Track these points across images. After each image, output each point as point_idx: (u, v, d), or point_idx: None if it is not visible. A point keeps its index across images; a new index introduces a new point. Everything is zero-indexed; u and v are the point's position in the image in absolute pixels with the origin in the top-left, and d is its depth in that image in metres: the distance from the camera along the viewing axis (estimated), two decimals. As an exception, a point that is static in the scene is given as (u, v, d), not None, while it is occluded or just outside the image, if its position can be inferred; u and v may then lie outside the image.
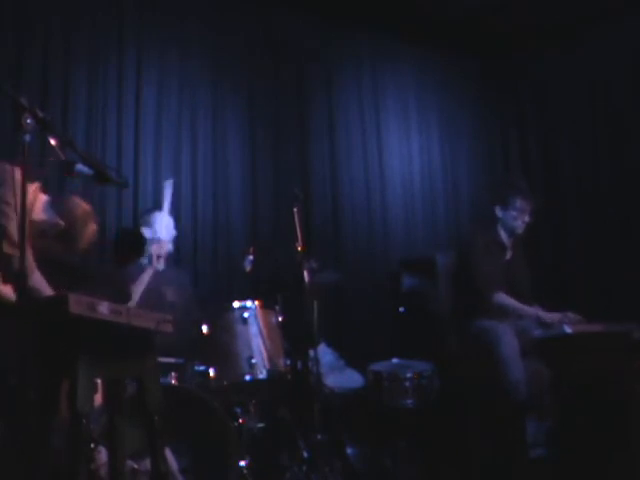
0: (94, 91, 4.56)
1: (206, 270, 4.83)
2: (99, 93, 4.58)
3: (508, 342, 3.99)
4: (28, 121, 2.16)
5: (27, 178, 2.24)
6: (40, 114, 2.22)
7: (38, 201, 2.97)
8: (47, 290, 2.81)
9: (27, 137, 2.16)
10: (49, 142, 2.29)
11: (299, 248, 3.90)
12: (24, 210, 2.14)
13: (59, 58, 4.44)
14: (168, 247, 4.18)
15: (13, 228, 2.65)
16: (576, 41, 5.94)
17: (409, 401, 4.21)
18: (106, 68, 4.63)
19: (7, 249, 2.67)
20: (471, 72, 6.33)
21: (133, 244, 4.19)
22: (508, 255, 4.49)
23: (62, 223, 2.99)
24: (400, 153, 5.94)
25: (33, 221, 2.92)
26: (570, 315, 4.08)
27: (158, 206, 4.33)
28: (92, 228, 3.17)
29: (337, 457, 3.88)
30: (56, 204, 3.03)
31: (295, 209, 3.95)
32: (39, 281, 2.76)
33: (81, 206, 3.16)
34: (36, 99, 4.00)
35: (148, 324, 2.36)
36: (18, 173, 2.64)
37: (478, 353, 4.15)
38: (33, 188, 2.94)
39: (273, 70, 5.36)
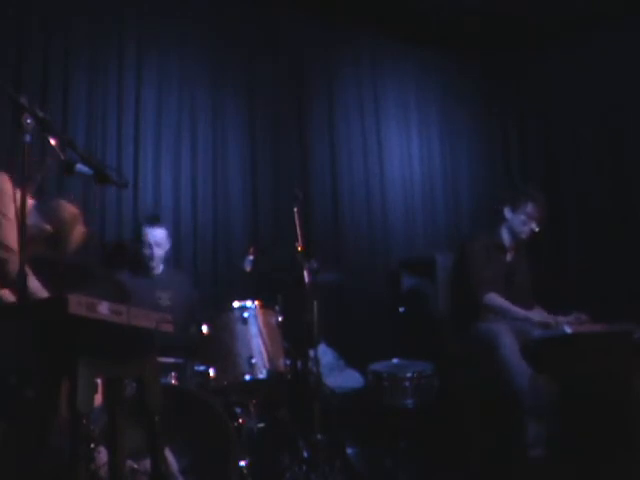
0: (94, 91, 4.56)
1: (206, 270, 4.84)
2: (99, 93, 4.58)
3: (508, 345, 3.98)
4: (28, 121, 2.16)
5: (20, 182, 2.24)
6: (40, 114, 2.21)
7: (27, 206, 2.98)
8: (43, 293, 2.80)
9: (27, 137, 2.16)
10: (49, 142, 2.29)
11: (299, 248, 3.90)
12: (24, 212, 2.13)
13: (59, 58, 4.44)
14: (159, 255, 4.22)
15: (5, 233, 2.67)
16: (577, 41, 5.94)
17: (409, 401, 4.21)
18: (106, 68, 4.63)
19: (1, 254, 2.67)
20: (471, 72, 6.33)
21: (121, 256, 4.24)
22: (509, 257, 4.47)
23: (49, 228, 2.96)
24: (400, 153, 5.94)
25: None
26: (582, 317, 4.06)
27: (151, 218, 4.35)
28: (80, 231, 3.08)
29: (337, 457, 3.88)
30: (42, 208, 3.00)
31: (295, 209, 3.95)
32: (35, 285, 2.75)
33: (67, 209, 3.05)
34: (36, 99, 4.00)
35: (148, 324, 2.35)
36: (5, 180, 2.69)
37: (478, 354, 4.15)
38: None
39: (273, 70, 5.36)
